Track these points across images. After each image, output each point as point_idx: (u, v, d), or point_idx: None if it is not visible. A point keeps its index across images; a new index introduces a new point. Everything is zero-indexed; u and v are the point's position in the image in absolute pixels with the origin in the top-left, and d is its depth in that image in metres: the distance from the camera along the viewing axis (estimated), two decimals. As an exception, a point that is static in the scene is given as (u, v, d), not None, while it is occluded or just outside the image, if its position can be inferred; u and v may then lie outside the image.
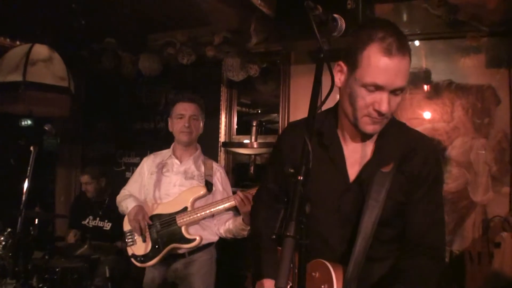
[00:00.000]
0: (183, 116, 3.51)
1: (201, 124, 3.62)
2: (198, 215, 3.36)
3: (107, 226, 4.83)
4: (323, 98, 1.54)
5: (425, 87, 4.28)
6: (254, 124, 4.96)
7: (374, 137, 1.84)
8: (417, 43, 4.37)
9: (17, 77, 4.07)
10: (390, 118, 1.78)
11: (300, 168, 1.32)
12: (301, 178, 1.31)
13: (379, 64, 1.63)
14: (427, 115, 4.21)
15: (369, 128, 1.73)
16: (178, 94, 3.67)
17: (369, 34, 1.67)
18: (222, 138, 5.21)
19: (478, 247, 3.99)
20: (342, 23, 1.55)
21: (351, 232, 1.75)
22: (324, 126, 1.89)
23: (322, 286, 1.68)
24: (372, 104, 1.67)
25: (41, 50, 4.27)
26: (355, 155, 1.83)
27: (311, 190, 1.67)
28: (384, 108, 1.65)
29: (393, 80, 1.64)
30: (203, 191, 3.43)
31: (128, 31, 5.28)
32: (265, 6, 4.23)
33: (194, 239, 3.37)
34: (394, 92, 1.67)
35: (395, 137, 1.84)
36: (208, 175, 3.53)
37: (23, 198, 3.45)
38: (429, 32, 4.23)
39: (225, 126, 5.23)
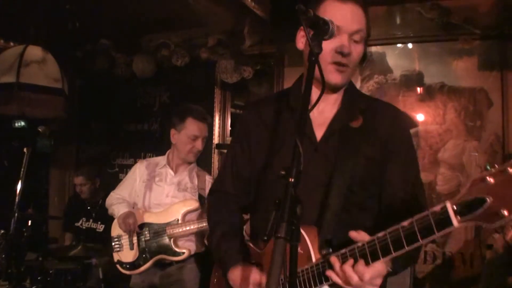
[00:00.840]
0: (196, 138, 3.43)
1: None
2: (188, 228, 3.32)
3: (100, 228, 4.82)
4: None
5: (418, 89, 4.30)
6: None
7: (339, 99, 1.84)
8: (410, 45, 4.40)
9: (10, 78, 4.06)
10: (352, 74, 1.81)
11: (291, 170, 1.33)
12: (292, 180, 1.31)
13: (334, 9, 1.68)
14: (419, 117, 4.24)
15: (334, 77, 1.72)
16: (187, 107, 3.54)
17: None
18: (215, 140, 5.22)
19: (470, 249, 4.01)
20: (333, 27, 1.56)
21: (325, 196, 1.71)
22: (291, 91, 1.90)
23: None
24: (335, 49, 1.68)
25: (34, 52, 4.26)
26: (322, 116, 1.82)
27: (282, 155, 1.74)
28: (346, 48, 1.68)
29: (350, 21, 1.69)
30: (195, 205, 3.39)
31: (122, 32, 5.28)
32: (259, 9, 4.25)
33: (182, 253, 3.34)
34: (352, 36, 1.70)
35: (358, 96, 1.92)
36: (202, 188, 3.49)
37: (16, 200, 3.44)
38: (422, 35, 4.26)
39: (219, 128, 5.24)
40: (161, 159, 3.60)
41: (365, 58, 1.90)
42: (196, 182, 3.54)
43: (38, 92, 4.15)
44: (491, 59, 4.07)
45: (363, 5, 1.75)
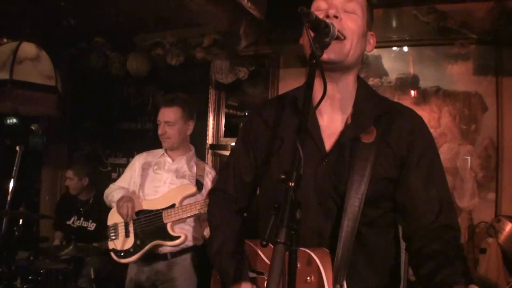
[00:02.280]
0: (159, 123, 3.49)
1: (186, 126, 3.54)
2: (186, 213, 3.30)
3: (92, 226, 4.80)
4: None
5: (413, 92, 4.31)
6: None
7: (350, 104, 1.76)
8: (405, 49, 4.40)
9: (3, 75, 4.01)
10: (353, 53, 1.68)
11: (291, 174, 1.31)
12: (292, 184, 1.30)
13: None
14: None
15: (327, 52, 1.58)
16: (161, 96, 3.59)
17: None
18: (209, 140, 5.20)
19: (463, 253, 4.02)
20: (334, 29, 1.55)
21: (334, 211, 1.66)
22: (300, 93, 1.79)
23: (308, 278, 1.53)
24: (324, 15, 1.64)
25: (28, 49, 4.21)
26: (332, 125, 1.75)
27: (287, 162, 1.59)
28: (331, 11, 1.63)
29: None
30: (193, 189, 3.37)
31: (116, 30, 5.26)
32: (255, 9, 4.24)
33: (179, 237, 3.30)
34: (344, 5, 1.66)
35: (372, 100, 1.78)
36: (200, 175, 3.49)
37: (8, 198, 3.40)
38: (418, 38, 4.27)
39: (213, 128, 5.23)
40: (160, 150, 3.62)
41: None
42: (194, 170, 3.54)
43: (31, 89, 4.11)
44: (486, 64, 4.09)
45: None
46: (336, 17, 1.63)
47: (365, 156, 1.66)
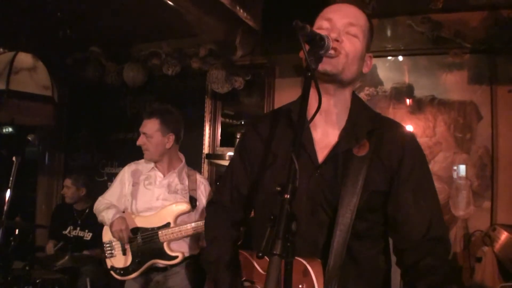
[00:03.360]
0: (139, 134, 3.47)
1: (165, 139, 3.45)
2: (182, 232, 3.30)
3: (88, 236, 4.79)
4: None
5: (408, 101, 4.33)
6: (238, 136, 4.96)
7: (344, 119, 1.79)
8: (400, 58, 4.43)
9: (0, 86, 4.02)
10: (348, 71, 1.71)
11: (287, 186, 1.32)
12: (288, 196, 1.31)
13: (330, 8, 1.73)
14: (409, 129, 4.26)
15: (323, 64, 1.61)
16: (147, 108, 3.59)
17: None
18: (206, 150, 5.20)
19: (459, 262, 4.03)
20: (329, 42, 1.57)
21: (326, 222, 1.68)
22: (295, 106, 1.81)
23: (300, 286, 1.55)
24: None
25: (25, 59, 4.22)
26: (325, 139, 1.78)
27: (281, 175, 1.63)
28: (333, 33, 1.66)
29: (344, 14, 1.71)
30: (187, 207, 3.37)
31: (113, 40, 5.27)
32: (251, 20, 4.26)
33: (176, 256, 3.31)
34: (346, 28, 1.70)
35: (364, 115, 1.82)
36: (192, 189, 3.47)
37: (5, 209, 3.40)
38: (413, 48, 4.29)
39: (209, 138, 5.23)
40: (150, 163, 3.56)
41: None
42: (186, 183, 3.51)
43: (27, 99, 4.12)
44: (480, 73, 4.11)
45: (363, 10, 1.78)
46: (337, 40, 1.66)
47: (357, 169, 1.68)
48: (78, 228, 4.86)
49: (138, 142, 3.46)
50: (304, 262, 1.57)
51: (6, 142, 5.06)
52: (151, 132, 3.42)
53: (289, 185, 1.32)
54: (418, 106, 4.28)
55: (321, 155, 1.75)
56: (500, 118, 4.03)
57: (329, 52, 1.57)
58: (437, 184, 4.02)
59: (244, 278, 1.76)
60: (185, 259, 3.41)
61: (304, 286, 1.55)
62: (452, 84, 4.21)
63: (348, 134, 1.76)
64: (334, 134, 1.78)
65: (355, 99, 1.84)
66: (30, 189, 5.96)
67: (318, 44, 1.53)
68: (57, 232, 4.92)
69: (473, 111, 4.11)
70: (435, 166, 4.14)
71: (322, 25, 1.72)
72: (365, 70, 1.84)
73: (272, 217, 1.31)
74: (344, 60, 1.68)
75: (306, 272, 1.56)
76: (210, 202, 2.14)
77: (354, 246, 1.67)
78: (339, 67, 1.68)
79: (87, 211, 4.91)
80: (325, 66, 1.64)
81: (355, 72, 1.76)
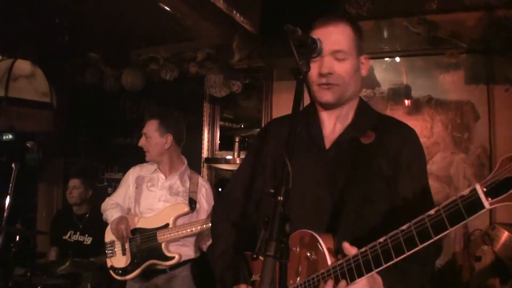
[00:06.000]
0: (142, 136, 3.58)
1: (163, 140, 3.54)
2: (179, 233, 3.34)
3: (88, 240, 4.80)
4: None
5: (406, 102, 4.33)
6: (237, 140, 4.97)
7: (350, 116, 1.93)
8: (397, 59, 4.43)
9: (-1, 93, 4.06)
10: (347, 90, 1.86)
11: (280, 189, 1.34)
12: (281, 198, 1.33)
13: (316, 34, 1.74)
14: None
15: (323, 95, 1.85)
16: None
17: (314, 23, 1.90)
18: (204, 154, 5.21)
19: (459, 261, 4.03)
20: (321, 45, 1.60)
21: (331, 206, 1.77)
22: (306, 108, 1.97)
23: (309, 255, 1.65)
24: (317, 71, 1.82)
25: (23, 66, 4.26)
26: (334, 132, 1.91)
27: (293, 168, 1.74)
28: (324, 68, 1.80)
29: (330, 43, 1.79)
30: (186, 209, 3.41)
31: (111, 46, 5.29)
32: (248, 23, 4.27)
33: (173, 257, 3.35)
34: (334, 55, 1.81)
35: (370, 112, 1.99)
36: (193, 191, 3.51)
37: (5, 215, 3.42)
38: (409, 49, 4.30)
39: (208, 142, 5.23)
40: (153, 165, 3.64)
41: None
42: (188, 185, 3.56)
43: (26, 106, 4.15)
44: (477, 73, 4.11)
45: (347, 22, 1.88)
46: (330, 73, 1.80)
47: (365, 154, 1.81)
48: (78, 233, 4.87)
49: (139, 143, 3.56)
50: (313, 233, 1.66)
51: (5, 148, 5.07)
52: (150, 133, 3.51)
53: (282, 188, 1.34)
54: (416, 107, 4.28)
55: (328, 143, 1.89)
56: (497, 117, 4.03)
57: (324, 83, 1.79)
58: (436, 184, 4.06)
59: (257, 274, 1.81)
60: (184, 262, 3.43)
61: (313, 254, 1.63)
62: (449, 84, 4.21)
63: (354, 126, 1.90)
64: (341, 127, 1.91)
65: (361, 101, 1.99)
66: (30, 195, 5.97)
67: (311, 47, 1.56)
68: (57, 238, 4.94)
69: (471, 111, 4.11)
70: (433, 166, 4.14)
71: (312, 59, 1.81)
72: (364, 73, 1.96)
73: (266, 219, 1.33)
74: (340, 88, 1.84)
75: (314, 242, 1.64)
76: (220, 196, 2.25)
77: (366, 225, 1.75)
78: (338, 94, 1.85)
79: (87, 215, 4.93)
80: (325, 97, 1.85)
81: (355, 87, 1.91)
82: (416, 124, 4.24)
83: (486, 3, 3.89)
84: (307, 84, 1.55)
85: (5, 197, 3.43)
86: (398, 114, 4.31)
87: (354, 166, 1.79)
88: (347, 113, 1.93)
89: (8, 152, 4.20)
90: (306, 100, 1.89)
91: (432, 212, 1.36)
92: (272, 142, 2.02)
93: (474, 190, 1.28)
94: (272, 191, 1.36)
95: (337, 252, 1.63)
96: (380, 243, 1.47)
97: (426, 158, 1.93)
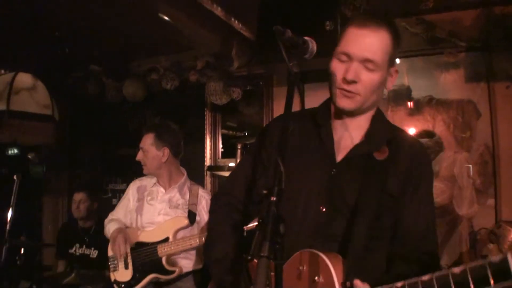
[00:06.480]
0: (139, 149, 3.61)
1: (160, 153, 3.55)
2: (179, 247, 3.34)
3: (94, 253, 4.80)
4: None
5: (409, 104, 4.32)
6: (239, 147, 4.97)
7: (365, 127, 1.84)
8: (397, 60, 4.40)
9: (1, 106, 4.08)
10: (368, 101, 1.77)
11: (273, 189, 1.34)
12: (274, 199, 1.32)
13: (352, 35, 1.73)
14: (409, 131, 4.24)
15: (341, 101, 1.75)
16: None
17: (352, 19, 1.80)
18: (207, 162, 5.22)
19: (466, 261, 4.00)
20: (313, 45, 1.59)
21: (342, 221, 1.71)
22: (319, 109, 1.92)
23: (316, 278, 1.56)
24: (342, 75, 1.71)
25: (24, 79, 4.28)
26: (346, 142, 1.83)
27: (298, 166, 1.75)
28: (349, 75, 1.69)
29: (361, 49, 1.69)
30: (185, 222, 3.41)
31: (112, 57, 5.31)
32: (246, 30, 4.28)
33: (174, 271, 3.36)
34: (364, 63, 1.70)
35: (385, 125, 1.89)
36: (193, 204, 3.50)
37: (7, 228, 3.43)
38: (408, 49, 4.28)
39: (210, 150, 5.25)
40: (153, 178, 3.65)
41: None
42: (187, 197, 3.56)
43: (28, 119, 4.17)
44: (477, 71, 4.10)
45: (389, 30, 1.77)
46: (354, 82, 1.71)
47: (377, 171, 1.73)
48: (85, 246, 4.87)
49: (137, 157, 3.59)
50: (321, 254, 1.59)
51: (7, 161, 5.09)
52: (147, 147, 3.53)
53: (275, 188, 1.34)
54: (417, 107, 4.27)
55: (340, 155, 1.80)
56: (499, 115, 4.01)
57: (345, 90, 1.71)
58: (440, 184, 4.04)
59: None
60: (188, 273, 3.42)
61: (321, 278, 1.55)
62: (450, 83, 4.20)
63: (369, 139, 1.81)
64: (355, 138, 1.83)
65: (378, 111, 1.89)
66: (36, 209, 5.98)
67: (302, 48, 1.55)
68: (63, 251, 4.94)
69: (472, 109, 4.10)
70: (437, 166, 4.13)
71: (340, 58, 1.75)
72: (389, 87, 1.87)
73: (260, 220, 1.33)
74: (362, 98, 1.75)
75: (320, 263, 1.57)
76: (219, 193, 2.18)
77: (376, 245, 1.71)
78: (357, 104, 1.76)
79: (93, 228, 4.93)
80: (342, 103, 1.76)
81: (376, 99, 1.82)
82: (418, 124, 4.23)
83: (482, 0, 3.89)
84: (298, 86, 1.53)
85: (8, 210, 3.44)
86: (400, 115, 4.30)
87: (366, 183, 1.72)
88: (362, 124, 1.84)
89: (11, 165, 4.21)
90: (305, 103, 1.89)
91: (457, 270, 1.29)
92: (273, 141, 1.92)
93: (506, 258, 1.21)
94: (265, 191, 1.35)
95: (346, 276, 1.56)
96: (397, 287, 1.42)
97: (433, 179, 1.88)
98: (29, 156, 3.60)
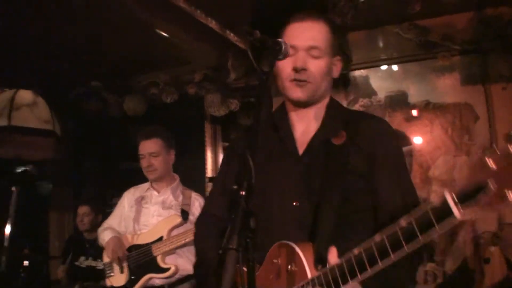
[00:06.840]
0: (143, 156, 3.60)
1: (169, 156, 3.64)
2: (174, 243, 3.37)
3: (100, 265, 4.81)
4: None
5: (406, 110, 4.32)
6: (240, 158, 4.99)
7: (321, 116, 1.89)
8: (393, 67, 4.44)
9: (2, 122, 4.14)
10: (319, 89, 1.84)
11: (242, 183, 1.36)
12: (243, 193, 1.34)
13: (292, 29, 1.81)
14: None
15: (294, 92, 1.81)
16: (139, 132, 3.74)
17: (289, 17, 1.88)
18: (209, 173, 5.25)
19: (470, 265, 3.97)
20: (286, 47, 1.61)
21: (316, 211, 1.72)
22: (276, 111, 1.98)
23: (289, 267, 1.61)
24: (291, 66, 1.78)
25: (25, 95, 4.35)
26: (305, 135, 1.87)
27: (267, 171, 1.79)
28: (299, 62, 1.77)
29: (304, 38, 1.79)
30: (178, 220, 3.44)
31: (112, 74, 5.38)
32: (241, 42, 4.33)
33: (169, 268, 3.36)
34: (309, 51, 1.79)
35: (341, 110, 1.96)
36: (185, 204, 3.54)
37: (6, 237, 3.46)
38: (403, 55, 4.31)
39: (211, 161, 5.29)
40: (147, 184, 3.72)
41: (348, 83, 1.95)
42: (180, 199, 3.61)
43: (29, 134, 4.22)
44: (473, 73, 4.12)
45: (325, 20, 1.88)
46: (303, 69, 1.78)
47: (338, 156, 1.76)
48: (90, 258, 4.88)
49: (146, 164, 3.59)
50: (292, 244, 1.63)
51: (5, 172, 5.15)
52: (158, 150, 3.58)
53: (244, 183, 1.36)
54: (414, 112, 4.28)
55: (301, 148, 1.84)
56: (496, 116, 4.01)
57: (297, 79, 1.77)
58: (440, 189, 4.01)
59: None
60: (185, 278, 3.43)
61: (293, 266, 1.59)
62: (446, 87, 4.21)
63: (325, 127, 1.86)
64: (313, 128, 1.87)
65: (331, 99, 1.95)
66: (42, 224, 6.02)
67: (274, 48, 1.58)
68: (70, 264, 4.96)
69: (469, 112, 4.10)
70: (437, 171, 4.12)
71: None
72: (335, 74, 1.94)
73: (232, 216, 1.34)
74: (313, 86, 1.81)
75: (294, 253, 1.61)
76: (201, 214, 2.19)
77: (345, 229, 1.71)
78: (309, 92, 1.82)
79: (98, 240, 4.95)
80: (296, 94, 1.82)
81: (326, 86, 1.89)
82: (415, 129, 4.24)
83: (474, 2, 3.91)
84: (267, 86, 1.54)
85: (9, 222, 3.46)
86: (397, 121, 4.31)
87: (328, 169, 1.75)
88: (318, 113, 1.89)
89: (8, 177, 4.24)
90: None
91: (403, 223, 1.32)
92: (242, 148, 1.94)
93: (444, 197, 1.25)
94: (235, 187, 1.37)
95: (319, 260, 1.59)
96: (355, 255, 1.44)
97: (402, 148, 1.92)
98: (27, 168, 3.64)
